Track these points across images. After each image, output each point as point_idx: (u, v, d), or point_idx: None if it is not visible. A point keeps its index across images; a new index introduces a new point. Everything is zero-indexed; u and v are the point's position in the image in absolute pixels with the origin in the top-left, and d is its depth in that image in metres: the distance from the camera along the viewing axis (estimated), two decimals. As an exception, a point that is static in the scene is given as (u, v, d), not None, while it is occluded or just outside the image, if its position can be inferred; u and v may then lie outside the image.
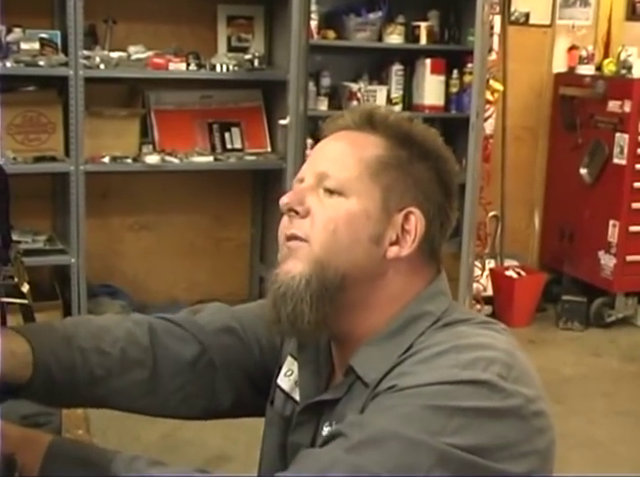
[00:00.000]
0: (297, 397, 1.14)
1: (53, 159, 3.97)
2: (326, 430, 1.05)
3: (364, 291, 1.06)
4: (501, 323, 1.07)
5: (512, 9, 5.01)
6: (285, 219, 1.08)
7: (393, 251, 1.06)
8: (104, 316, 1.24)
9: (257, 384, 1.24)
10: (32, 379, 1.06)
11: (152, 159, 4.12)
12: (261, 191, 4.68)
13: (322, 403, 1.08)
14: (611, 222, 4.77)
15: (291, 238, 1.06)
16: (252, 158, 4.37)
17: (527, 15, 5.06)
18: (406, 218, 1.06)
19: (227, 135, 4.45)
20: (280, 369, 1.20)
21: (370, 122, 1.09)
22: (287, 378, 1.18)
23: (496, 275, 4.94)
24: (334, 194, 1.05)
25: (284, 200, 1.07)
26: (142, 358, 1.17)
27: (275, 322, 1.06)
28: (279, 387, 1.19)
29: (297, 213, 1.06)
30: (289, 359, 1.19)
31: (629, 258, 4.76)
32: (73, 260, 3.97)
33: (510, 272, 4.94)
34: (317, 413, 1.09)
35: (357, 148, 1.07)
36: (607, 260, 4.81)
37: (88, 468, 0.96)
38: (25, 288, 1.11)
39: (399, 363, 1.00)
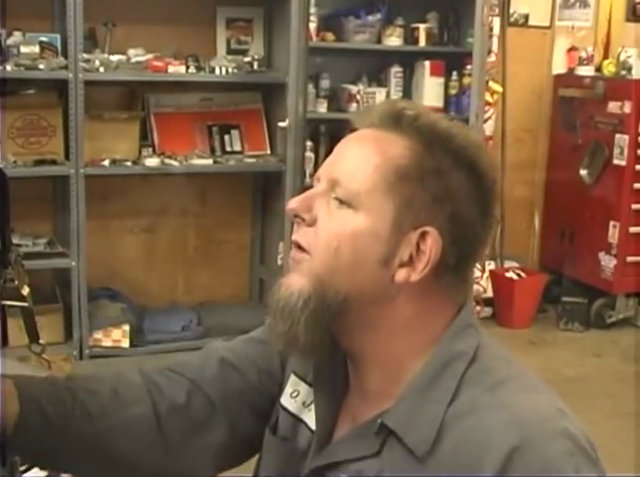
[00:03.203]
0: (311, 424, 1.07)
1: (53, 162, 3.97)
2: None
3: (369, 313, 0.98)
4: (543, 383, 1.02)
5: (511, 10, 5.01)
6: (295, 223, 1.01)
7: (401, 275, 0.96)
8: None
9: (258, 409, 1.14)
10: (22, 413, 0.97)
11: (152, 162, 4.12)
12: (261, 193, 4.68)
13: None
14: (611, 223, 4.77)
15: (295, 245, 1.00)
16: (252, 161, 4.37)
17: (526, 16, 5.06)
18: (422, 237, 0.96)
19: (226, 138, 4.45)
20: (281, 387, 1.13)
21: (397, 122, 0.98)
22: (294, 399, 1.10)
23: (496, 277, 4.93)
24: (343, 204, 0.97)
25: (292, 204, 0.99)
26: (137, 395, 1.09)
27: (273, 334, 1.01)
28: (284, 407, 1.11)
29: (304, 220, 0.99)
30: (293, 378, 1.11)
31: (629, 259, 4.76)
32: (73, 263, 3.97)
33: (510, 274, 4.94)
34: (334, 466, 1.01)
35: (376, 155, 0.97)
36: (608, 261, 4.81)
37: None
38: (25, 291, 1.10)
39: (447, 420, 0.93)
